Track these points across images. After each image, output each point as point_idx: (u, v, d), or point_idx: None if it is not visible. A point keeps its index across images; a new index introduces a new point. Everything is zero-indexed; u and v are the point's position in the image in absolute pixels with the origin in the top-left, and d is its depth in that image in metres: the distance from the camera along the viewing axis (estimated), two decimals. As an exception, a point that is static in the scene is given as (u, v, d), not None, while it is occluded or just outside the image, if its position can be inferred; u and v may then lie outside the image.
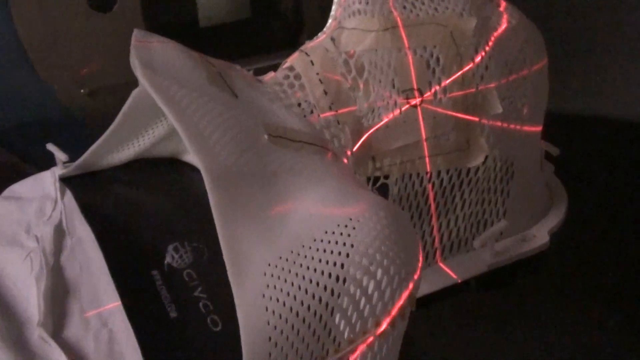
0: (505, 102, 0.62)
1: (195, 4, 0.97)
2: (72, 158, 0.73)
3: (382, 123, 0.59)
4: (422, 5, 0.60)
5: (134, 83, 0.56)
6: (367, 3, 0.60)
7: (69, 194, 0.70)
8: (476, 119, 0.61)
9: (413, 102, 0.59)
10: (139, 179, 0.77)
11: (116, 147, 0.74)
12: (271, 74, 0.61)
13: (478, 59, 0.60)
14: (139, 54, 0.52)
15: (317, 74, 0.59)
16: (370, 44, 0.59)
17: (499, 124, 0.62)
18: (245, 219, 0.44)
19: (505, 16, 0.63)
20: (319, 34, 0.63)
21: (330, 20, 0.63)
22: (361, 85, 0.59)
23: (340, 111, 0.59)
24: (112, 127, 0.70)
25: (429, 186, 0.61)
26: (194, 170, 0.81)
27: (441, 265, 0.63)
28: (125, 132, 0.72)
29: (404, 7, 0.60)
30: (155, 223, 0.67)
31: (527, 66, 0.63)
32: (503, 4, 0.64)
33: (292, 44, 1.05)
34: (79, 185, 0.74)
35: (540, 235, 0.66)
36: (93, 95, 0.95)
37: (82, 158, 0.72)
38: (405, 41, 0.59)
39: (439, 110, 0.60)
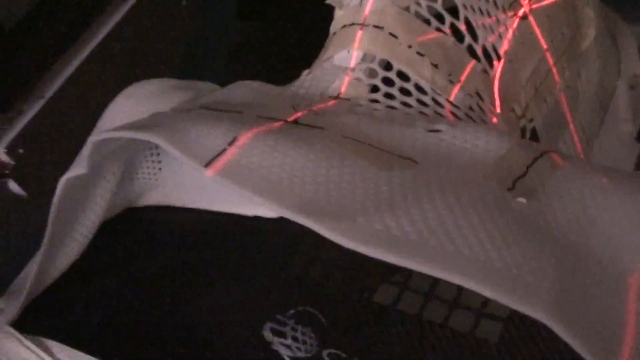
0: None
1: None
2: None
3: (502, 62, 0.43)
4: None
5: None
6: None
7: (55, 346, 0.46)
8: None
9: (521, 12, 0.43)
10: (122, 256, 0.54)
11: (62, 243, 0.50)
12: (345, 78, 0.41)
13: None
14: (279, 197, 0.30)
15: (410, 46, 0.40)
16: None
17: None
18: None
19: None
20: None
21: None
22: (463, 29, 0.42)
23: (462, 78, 0.41)
24: (48, 234, 0.46)
25: (562, 95, 0.48)
26: (169, 210, 0.59)
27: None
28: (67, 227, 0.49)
29: None
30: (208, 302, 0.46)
31: None
32: None
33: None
34: (46, 325, 0.49)
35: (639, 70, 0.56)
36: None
37: (24, 292, 0.47)
38: (490, -59, 0.41)
39: (549, 3, 0.45)
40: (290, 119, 0.37)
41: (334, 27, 0.43)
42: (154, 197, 0.58)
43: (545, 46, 0.45)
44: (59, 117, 0.73)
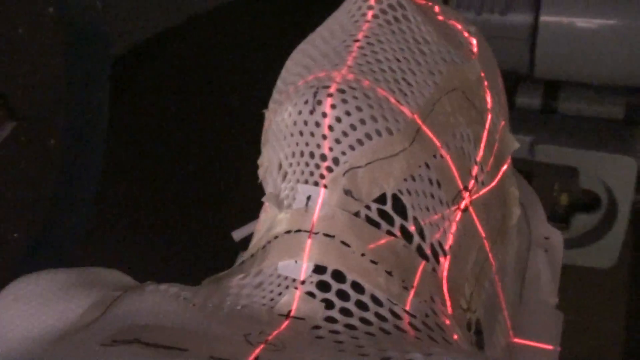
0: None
1: None
2: None
3: (448, 258, 0.41)
4: (415, 77, 0.40)
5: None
6: (374, 119, 0.38)
7: None
8: (505, 166, 0.47)
9: (463, 204, 0.42)
10: None
11: None
12: (295, 293, 0.37)
13: (489, 101, 0.44)
14: None
15: (363, 254, 0.37)
16: (401, 171, 0.39)
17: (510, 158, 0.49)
18: None
19: (460, 27, 0.46)
20: (296, 193, 0.39)
21: (305, 167, 0.39)
22: (412, 229, 0.40)
23: (415, 282, 0.39)
24: None
25: (496, 277, 0.47)
26: None
27: (529, 343, 0.51)
28: None
29: (405, 94, 0.39)
30: None
31: (498, 74, 0.49)
32: (437, 8, 0.47)
33: None
34: None
35: (549, 233, 0.57)
36: None
37: None
38: (437, 141, 0.40)
39: (486, 191, 0.44)
40: (250, 359, 0.32)
41: (274, 228, 0.39)
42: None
43: (483, 234, 0.44)
44: None
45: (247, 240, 0.58)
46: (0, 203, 0.73)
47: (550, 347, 0.50)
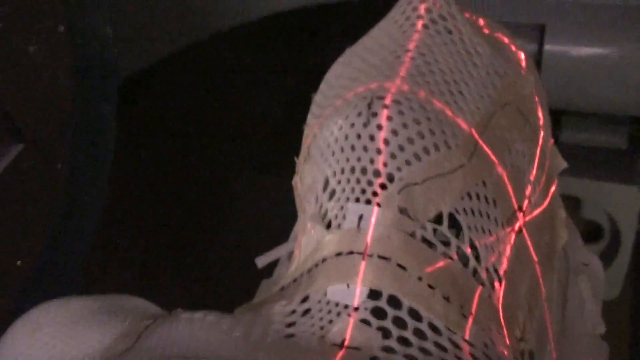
0: None
1: None
2: None
3: (503, 284, 0.39)
4: (469, 90, 0.38)
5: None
6: (432, 132, 0.35)
7: None
8: (553, 187, 0.44)
9: (517, 225, 0.40)
10: None
11: None
12: (349, 320, 0.34)
13: (541, 117, 0.42)
14: None
15: (420, 278, 0.35)
16: (459, 188, 0.36)
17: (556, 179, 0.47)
18: None
19: (507, 41, 0.44)
20: (347, 213, 0.36)
21: (356, 184, 0.36)
22: (469, 251, 0.37)
23: (473, 309, 0.36)
24: None
25: (545, 305, 0.44)
26: None
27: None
28: None
29: (460, 108, 0.37)
30: None
31: (544, 91, 0.47)
32: (482, 21, 0.45)
33: None
34: None
35: (588, 259, 0.55)
36: None
37: None
38: (494, 157, 0.37)
39: (538, 212, 0.42)
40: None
41: (321, 250, 0.36)
42: None
43: (535, 258, 0.41)
44: None
45: (269, 267, 0.55)
46: (4, 230, 0.70)
47: None
